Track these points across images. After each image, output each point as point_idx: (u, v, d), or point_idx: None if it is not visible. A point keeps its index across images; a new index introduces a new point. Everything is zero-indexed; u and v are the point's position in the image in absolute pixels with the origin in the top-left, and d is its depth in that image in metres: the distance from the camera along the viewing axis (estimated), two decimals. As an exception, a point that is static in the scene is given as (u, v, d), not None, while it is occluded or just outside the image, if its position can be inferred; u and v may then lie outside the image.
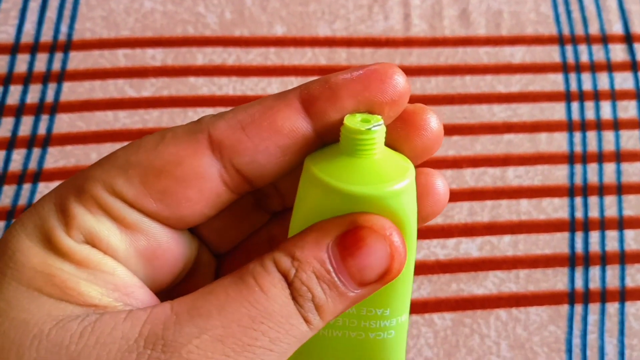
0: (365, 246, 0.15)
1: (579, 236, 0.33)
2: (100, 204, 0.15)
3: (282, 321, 0.14)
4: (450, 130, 0.35)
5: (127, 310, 0.14)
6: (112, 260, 0.15)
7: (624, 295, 0.32)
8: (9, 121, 0.34)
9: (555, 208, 0.33)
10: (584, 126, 0.35)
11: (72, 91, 0.34)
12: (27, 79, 0.34)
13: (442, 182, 0.17)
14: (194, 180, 0.16)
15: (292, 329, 0.14)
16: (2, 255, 0.14)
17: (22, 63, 0.35)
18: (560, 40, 0.37)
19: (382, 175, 0.16)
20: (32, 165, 0.33)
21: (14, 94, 0.34)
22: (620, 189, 0.34)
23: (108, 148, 0.33)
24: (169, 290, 0.18)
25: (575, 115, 0.36)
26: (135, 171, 0.15)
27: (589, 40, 0.38)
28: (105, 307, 0.14)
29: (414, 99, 0.35)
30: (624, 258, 0.33)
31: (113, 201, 0.15)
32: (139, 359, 0.13)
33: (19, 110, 0.34)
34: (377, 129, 0.16)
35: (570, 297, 0.32)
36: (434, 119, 0.17)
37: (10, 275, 0.14)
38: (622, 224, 0.33)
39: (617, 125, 0.36)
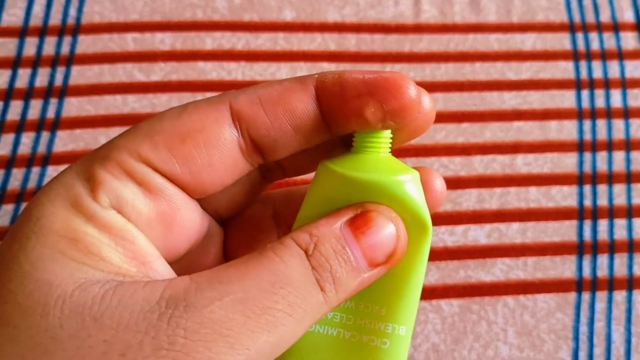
0: (375, 226, 0.16)
1: (587, 224, 0.33)
2: (126, 169, 0.16)
3: (301, 287, 0.15)
4: (460, 117, 0.35)
5: (146, 280, 0.14)
6: (134, 228, 0.16)
7: (631, 283, 0.32)
8: (18, 104, 0.33)
9: (564, 196, 0.33)
10: (594, 114, 0.35)
11: (80, 75, 0.34)
12: (35, 63, 0.34)
13: (439, 180, 0.19)
14: (215, 146, 0.16)
15: (309, 296, 0.15)
16: (27, 222, 0.15)
17: (30, 46, 0.35)
18: (571, 28, 0.37)
19: (389, 169, 0.18)
20: (41, 148, 0.33)
21: (22, 78, 0.34)
22: (630, 178, 0.34)
23: (117, 132, 0.33)
24: (183, 264, 0.18)
25: (585, 103, 0.35)
26: (161, 137, 0.16)
27: (600, 27, 0.37)
28: (124, 274, 0.14)
29: (425, 86, 0.35)
30: (632, 246, 0.33)
31: (139, 166, 0.16)
32: (160, 318, 0.13)
33: (28, 94, 0.34)
34: (385, 130, 0.18)
35: (578, 285, 0.32)
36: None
37: (35, 239, 0.14)
38: (631, 212, 0.33)
39: (627, 113, 0.35)
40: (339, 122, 0.17)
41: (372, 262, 0.16)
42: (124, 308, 0.13)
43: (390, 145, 0.18)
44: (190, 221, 0.17)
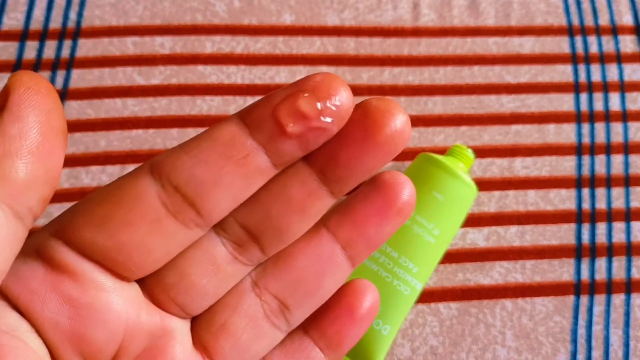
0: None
1: (585, 227, 0.33)
2: (36, 246, 0.15)
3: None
4: (458, 120, 0.35)
5: None
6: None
7: (630, 286, 0.32)
8: (18, 108, 0.34)
9: (563, 199, 0.33)
10: (592, 117, 0.35)
11: (81, 78, 0.34)
12: (36, 66, 0.35)
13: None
14: (132, 202, 0.15)
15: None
16: None
17: (31, 50, 0.35)
18: (569, 31, 0.37)
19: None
20: (42, 151, 0.33)
21: (23, 81, 0.34)
22: (628, 181, 0.34)
23: (117, 135, 0.33)
24: None
25: (584, 107, 0.35)
26: (80, 207, 0.15)
27: (598, 31, 0.37)
28: None
29: (424, 89, 0.35)
30: (630, 249, 0.33)
31: (59, 246, 0.15)
32: None
33: (29, 97, 0.34)
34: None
35: (576, 288, 0.32)
36: (399, 119, 0.15)
37: None
38: (629, 215, 0.33)
39: (625, 116, 0.35)
40: (272, 135, 0.15)
41: None
42: None
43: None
44: (111, 312, 0.15)
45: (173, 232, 0.15)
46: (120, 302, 0.15)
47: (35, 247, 0.15)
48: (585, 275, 0.32)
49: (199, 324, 0.17)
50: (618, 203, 0.34)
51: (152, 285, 0.16)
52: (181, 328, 0.17)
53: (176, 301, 0.16)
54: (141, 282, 0.16)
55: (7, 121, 0.13)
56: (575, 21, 0.37)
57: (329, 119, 0.15)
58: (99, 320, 0.15)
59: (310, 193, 0.16)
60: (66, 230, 0.15)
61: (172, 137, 0.33)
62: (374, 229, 0.17)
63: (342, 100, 0.15)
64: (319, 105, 0.15)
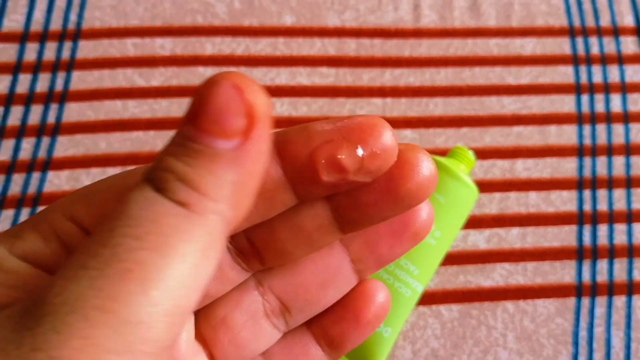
0: (204, 99, 0.12)
1: (587, 229, 0.33)
2: (55, 229, 0.14)
3: (145, 214, 0.12)
4: (459, 122, 0.35)
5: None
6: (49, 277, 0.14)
7: (631, 288, 0.32)
8: (18, 110, 0.34)
9: (564, 201, 0.33)
10: (593, 119, 0.35)
11: (81, 80, 0.34)
12: (36, 68, 0.35)
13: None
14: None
15: (162, 217, 0.12)
16: None
17: (31, 52, 0.35)
18: (571, 32, 0.37)
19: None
20: (42, 153, 0.33)
21: (23, 83, 0.34)
22: (630, 182, 0.34)
23: (117, 137, 0.33)
24: None
25: (585, 108, 0.35)
26: (99, 195, 0.14)
27: (600, 32, 0.37)
28: None
29: (425, 90, 0.35)
30: (632, 251, 0.33)
31: (68, 226, 0.14)
32: (11, 332, 0.11)
33: (29, 99, 0.34)
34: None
35: (578, 290, 0.32)
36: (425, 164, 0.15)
37: None
38: (630, 217, 0.33)
39: (627, 118, 0.35)
40: (304, 177, 0.14)
41: (228, 133, 0.12)
42: None
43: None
44: None
45: None
46: None
47: (56, 230, 0.14)
48: (586, 277, 0.32)
49: (200, 316, 0.17)
50: (619, 205, 0.33)
51: None
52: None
53: None
54: None
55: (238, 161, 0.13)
56: (577, 22, 0.37)
57: (367, 178, 0.14)
58: None
59: (320, 226, 0.16)
60: (83, 221, 0.14)
61: (172, 139, 0.33)
62: (387, 249, 0.16)
63: (387, 158, 0.14)
64: (359, 155, 0.14)
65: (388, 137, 0.14)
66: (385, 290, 0.18)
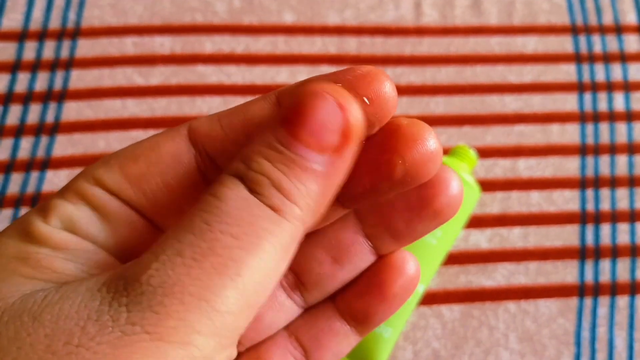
0: (306, 110, 0.13)
1: (589, 229, 0.33)
2: (81, 194, 0.15)
3: (242, 215, 0.13)
4: (461, 120, 0.34)
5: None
6: (92, 245, 0.15)
7: (634, 288, 0.32)
8: (17, 108, 0.33)
9: (566, 200, 0.33)
10: (596, 117, 0.35)
11: (80, 79, 0.34)
12: (35, 66, 0.34)
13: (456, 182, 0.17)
14: (170, 164, 0.15)
15: (258, 220, 0.13)
16: None
17: (30, 50, 0.35)
18: (573, 30, 0.37)
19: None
20: (40, 153, 0.33)
21: (22, 82, 0.34)
22: (633, 181, 0.34)
23: (116, 136, 0.33)
24: None
25: (588, 107, 0.35)
26: (116, 160, 0.15)
27: (602, 30, 0.37)
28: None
29: (426, 89, 0.35)
30: (635, 251, 0.32)
31: (94, 189, 0.15)
32: (102, 305, 0.12)
33: (27, 98, 0.34)
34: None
35: (580, 290, 0.31)
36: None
37: None
38: (633, 216, 0.33)
39: (630, 116, 0.35)
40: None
41: (322, 147, 0.13)
42: (65, 301, 0.13)
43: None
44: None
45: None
46: None
47: (82, 195, 0.15)
48: (589, 276, 0.32)
49: None
50: (622, 204, 0.33)
51: None
52: None
53: None
54: None
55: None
56: (579, 20, 0.37)
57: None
58: None
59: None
60: (105, 182, 0.15)
61: (172, 138, 0.33)
62: (404, 224, 0.17)
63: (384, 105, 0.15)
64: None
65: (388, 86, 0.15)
66: (415, 261, 0.17)
